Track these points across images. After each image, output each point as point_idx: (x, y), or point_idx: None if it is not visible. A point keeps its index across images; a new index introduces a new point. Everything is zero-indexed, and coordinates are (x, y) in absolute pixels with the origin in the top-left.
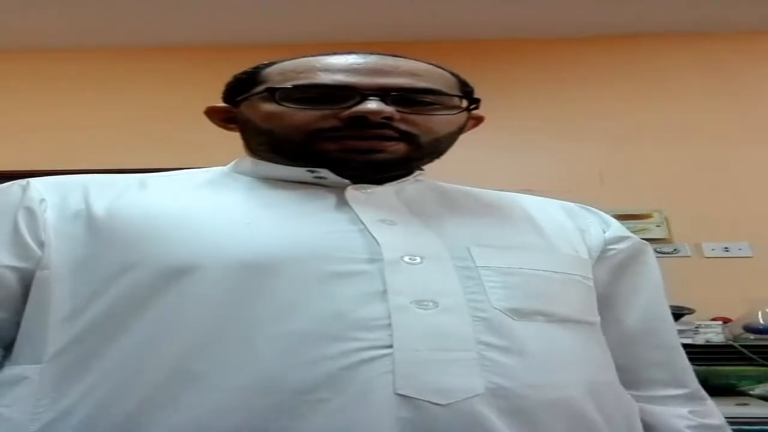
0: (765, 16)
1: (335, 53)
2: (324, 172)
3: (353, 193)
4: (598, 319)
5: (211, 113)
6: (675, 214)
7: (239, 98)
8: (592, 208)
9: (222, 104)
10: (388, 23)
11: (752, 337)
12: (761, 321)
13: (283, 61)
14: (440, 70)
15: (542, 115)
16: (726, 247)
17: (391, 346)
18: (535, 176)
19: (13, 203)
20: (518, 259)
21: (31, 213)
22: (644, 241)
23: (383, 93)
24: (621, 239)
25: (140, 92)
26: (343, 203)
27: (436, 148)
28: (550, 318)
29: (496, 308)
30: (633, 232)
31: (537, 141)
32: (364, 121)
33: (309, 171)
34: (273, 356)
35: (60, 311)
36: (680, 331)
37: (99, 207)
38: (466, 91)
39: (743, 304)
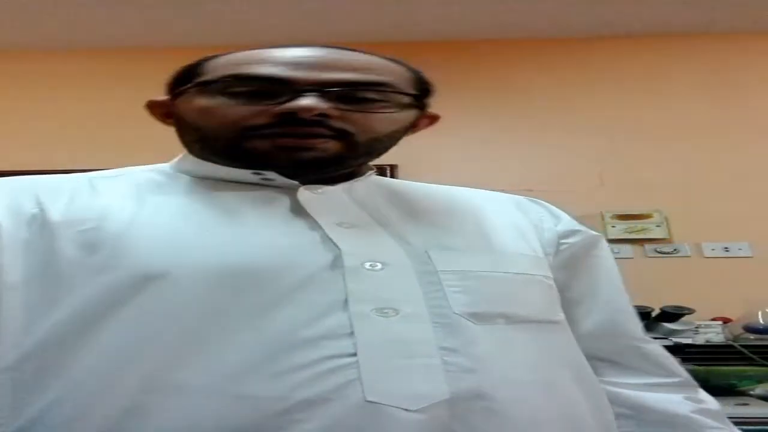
0: (765, 16)
1: (283, 46)
2: (271, 175)
3: (305, 194)
4: (561, 316)
5: (152, 107)
6: (675, 214)
7: (176, 92)
8: (540, 201)
9: (162, 98)
10: (388, 23)
11: (752, 337)
12: (761, 321)
13: (230, 54)
14: (397, 66)
15: (542, 115)
16: (726, 247)
17: (355, 354)
18: (535, 176)
19: None
20: (478, 262)
21: None
22: (596, 233)
23: (321, 88)
24: (573, 233)
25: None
26: (297, 206)
27: (374, 147)
28: (511, 320)
29: (456, 313)
30: (633, 232)
31: (537, 141)
32: (296, 117)
33: (255, 173)
34: (243, 365)
35: (11, 322)
36: (680, 331)
37: (54, 212)
38: (423, 89)
39: (743, 304)
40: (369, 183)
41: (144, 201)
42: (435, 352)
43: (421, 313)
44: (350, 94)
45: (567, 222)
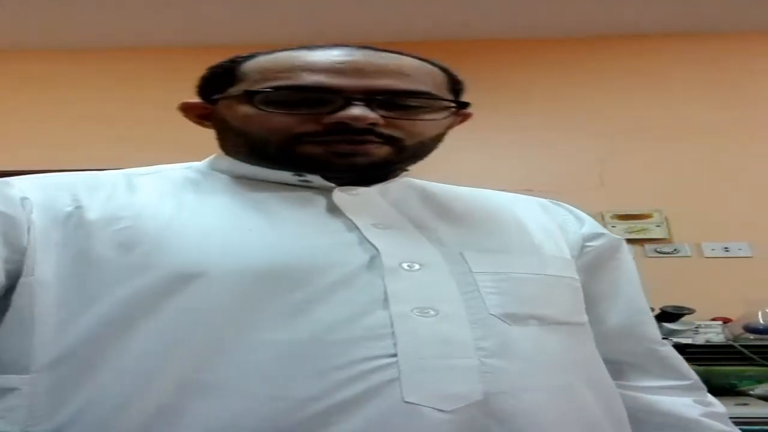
0: (765, 16)
1: (318, 47)
2: (311, 177)
3: (341, 195)
4: (586, 318)
5: (187, 109)
6: (675, 214)
7: (216, 96)
8: (564, 204)
9: (197, 100)
10: (388, 23)
11: (752, 337)
12: (761, 321)
13: (262, 54)
14: (430, 67)
15: (542, 115)
16: (726, 247)
17: (395, 355)
18: (535, 176)
19: None
20: (511, 264)
21: (8, 218)
22: (618, 237)
23: (368, 96)
24: (596, 236)
25: (127, 91)
26: (333, 207)
27: (421, 150)
28: (543, 321)
29: (492, 314)
30: (633, 232)
31: (537, 141)
32: (348, 126)
33: (296, 175)
34: (280, 366)
35: (47, 320)
36: (680, 331)
37: (91, 210)
38: (456, 88)
39: (743, 304)
40: (402, 185)
41: (181, 199)
42: (473, 353)
43: (459, 314)
44: (395, 101)
45: (591, 225)
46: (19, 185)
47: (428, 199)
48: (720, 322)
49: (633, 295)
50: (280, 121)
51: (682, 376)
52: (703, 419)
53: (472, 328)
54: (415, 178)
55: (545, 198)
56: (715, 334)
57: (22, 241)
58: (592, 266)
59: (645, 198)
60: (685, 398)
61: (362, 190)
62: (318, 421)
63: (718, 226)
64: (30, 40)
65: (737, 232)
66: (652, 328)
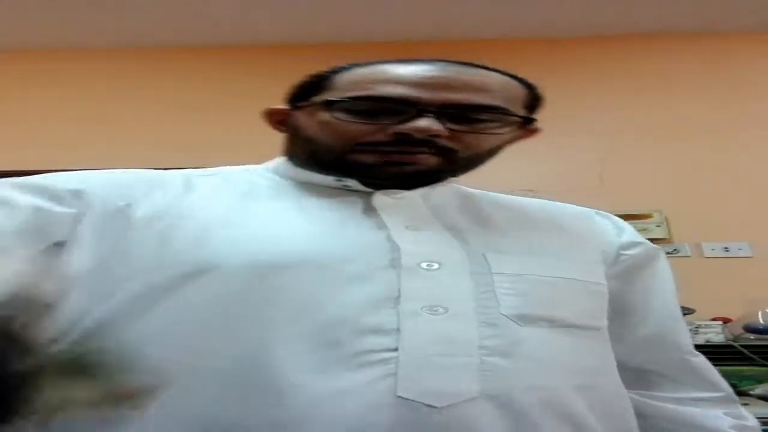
0: (765, 16)
1: (413, 61)
2: (350, 181)
3: (381, 198)
4: (604, 323)
5: (270, 114)
6: (675, 214)
7: (300, 103)
8: (606, 213)
9: (282, 107)
10: (388, 23)
11: (752, 337)
12: (761, 321)
13: (360, 66)
14: (513, 83)
15: (542, 115)
16: (726, 247)
17: (396, 350)
18: (536, 176)
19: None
20: (531, 266)
21: (44, 212)
22: (657, 247)
23: (441, 109)
24: (634, 245)
25: (127, 91)
26: (370, 209)
27: (472, 162)
28: (554, 324)
29: (503, 314)
30: None
31: (537, 141)
32: (410, 137)
33: (337, 180)
34: (284, 358)
35: (69, 308)
36: None
37: (141, 207)
38: (534, 104)
39: (743, 304)
40: (447, 190)
41: (231, 200)
42: (474, 351)
43: (468, 313)
44: (466, 115)
45: (630, 234)
46: (79, 178)
47: (467, 205)
48: (720, 322)
49: (667, 305)
50: (350, 129)
51: (714, 388)
52: None
53: (479, 327)
54: (459, 185)
55: (546, 198)
56: (715, 334)
57: (54, 236)
58: (628, 274)
59: (645, 198)
60: (715, 410)
61: (406, 194)
62: (316, 410)
63: (718, 226)
64: (30, 40)
65: (737, 232)
66: (685, 339)
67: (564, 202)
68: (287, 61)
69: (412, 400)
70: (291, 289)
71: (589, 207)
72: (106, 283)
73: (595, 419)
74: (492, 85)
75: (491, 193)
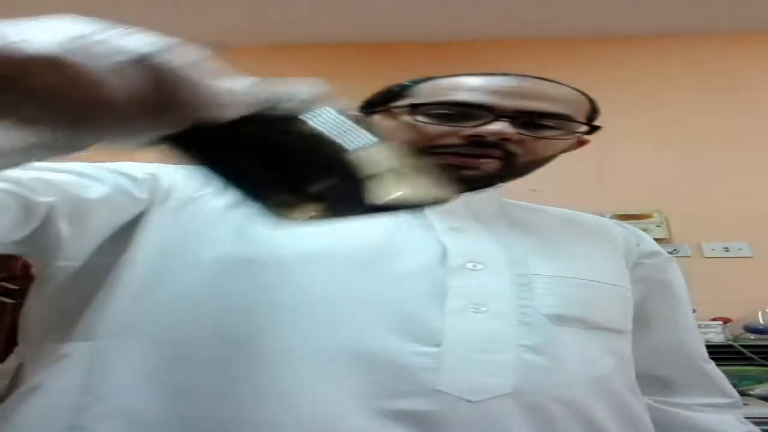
0: (765, 16)
1: (497, 74)
2: None
3: None
4: (629, 327)
5: None
6: (675, 214)
7: (376, 109)
8: (621, 222)
9: (356, 113)
10: (388, 24)
11: (752, 337)
12: (761, 321)
13: (438, 78)
14: (578, 96)
15: None
16: (726, 247)
17: (438, 345)
18: (536, 176)
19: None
20: (568, 269)
21: (127, 194)
22: (668, 255)
23: (515, 115)
24: (653, 254)
25: None
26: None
27: (529, 168)
28: (586, 325)
29: (542, 314)
30: None
31: None
32: (482, 140)
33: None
34: (335, 347)
35: (125, 293)
36: None
37: (218, 197)
38: (592, 117)
39: (743, 304)
40: (485, 197)
41: None
42: (512, 349)
43: (508, 312)
44: (536, 121)
45: (648, 243)
46: (152, 167)
47: (503, 210)
48: (720, 322)
49: (685, 314)
50: (429, 131)
51: (724, 394)
52: None
53: (518, 325)
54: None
55: (546, 198)
56: (715, 334)
57: (129, 213)
58: (647, 282)
59: (645, 198)
60: (727, 416)
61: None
62: (360, 399)
63: (718, 226)
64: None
65: (737, 232)
66: (700, 346)
67: (565, 202)
68: (289, 62)
69: (450, 394)
70: (349, 278)
71: (589, 207)
72: (177, 262)
73: (615, 424)
74: (560, 96)
75: (521, 202)
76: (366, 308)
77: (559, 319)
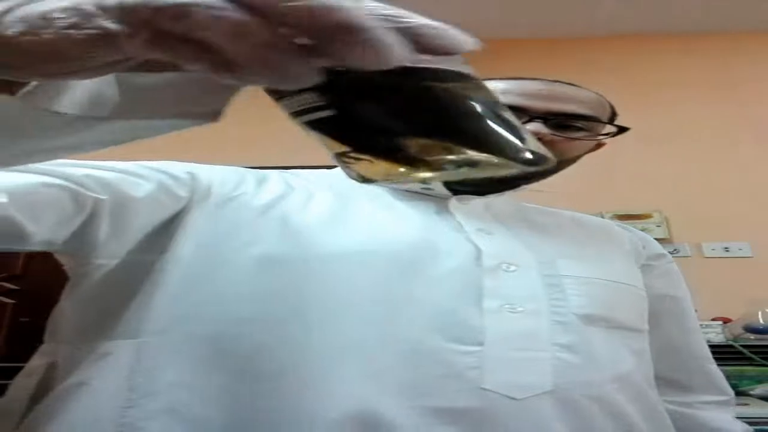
0: (765, 16)
1: (513, 78)
2: (434, 185)
3: (454, 203)
4: (646, 327)
5: None
6: (675, 214)
7: None
8: (625, 225)
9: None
10: None
11: (752, 337)
12: (761, 321)
13: None
14: (602, 100)
15: None
16: (726, 247)
17: (481, 344)
18: None
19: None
20: (593, 270)
21: (169, 192)
22: (670, 257)
23: (548, 116)
24: (658, 256)
25: None
26: (444, 211)
27: (557, 169)
28: (610, 324)
29: (574, 314)
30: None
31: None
32: None
33: (421, 183)
34: (378, 341)
35: (167, 291)
36: None
37: (256, 197)
38: (611, 120)
39: (743, 304)
40: (503, 200)
41: (328, 199)
42: (548, 347)
43: (542, 311)
44: (567, 122)
45: (654, 246)
46: (192, 166)
47: (522, 213)
48: (720, 322)
49: (687, 314)
50: None
51: (720, 392)
52: None
53: (552, 325)
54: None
55: (547, 198)
56: (715, 334)
57: (170, 211)
58: (653, 283)
59: (645, 198)
60: (725, 414)
61: (472, 200)
62: (404, 395)
63: (718, 226)
64: None
65: (737, 232)
66: (704, 347)
67: (566, 202)
68: None
69: (495, 392)
70: (390, 279)
71: (589, 207)
72: (219, 261)
73: (644, 420)
74: (586, 99)
75: (535, 205)
76: (408, 307)
77: (588, 319)
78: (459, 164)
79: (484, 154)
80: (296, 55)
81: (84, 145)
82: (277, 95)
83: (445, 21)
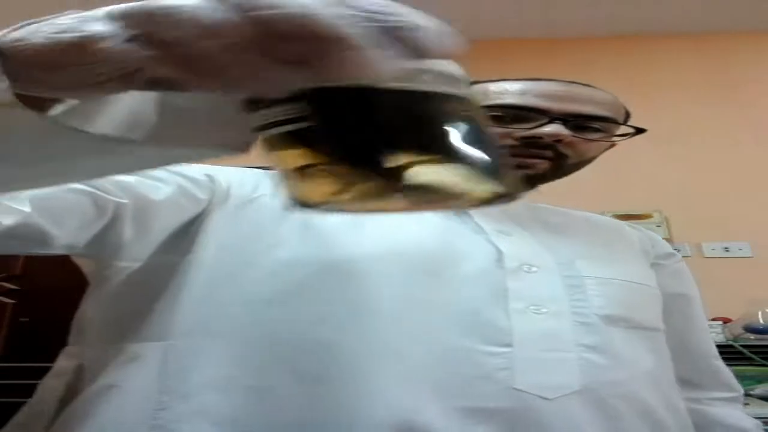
0: (765, 16)
1: (529, 79)
2: None
3: None
4: (663, 326)
5: None
6: (675, 214)
7: None
8: (634, 225)
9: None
10: None
11: (752, 337)
12: (761, 321)
13: (482, 82)
14: (617, 101)
15: None
16: (726, 247)
17: (510, 345)
18: None
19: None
20: (614, 271)
21: (189, 194)
22: (679, 256)
23: (567, 117)
24: (667, 255)
25: None
26: (461, 212)
27: (574, 168)
28: (629, 324)
29: (595, 314)
30: None
31: None
32: (537, 141)
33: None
34: (409, 341)
35: (193, 294)
36: None
37: (277, 197)
38: (625, 121)
39: (743, 304)
40: (517, 200)
41: None
42: (573, 348)
43: (564, 312)
44: (585, 124)
45: (663, 245)
46: (210, 168)
47: (535, 213)
48: (720, 322)
49: (697, 313)
50: None
51: (729, 389)
52: (755, 430)
53: (576, 326)
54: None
55: (548, 198)
56: (715, 334)
57: (190, 213)
58: (663, 283)
59: (645, 198)
60: (736, 411)
61: None
62: (434, 396)
63: (718, 226)
64: None
65: (737, 232)
66: (711, 344)
67: (566, 202)
68: None
69: (527, 392)
70: (417, 282)
71: (589, 207)
72: (242, 263)
73: (669, 416)
74: (604, 100)
75: (546, 205)
76: (436, 309)
77: (609, 320)
78: (428, 184)
79: (455, 179)
80: (276, 64)
81: (110, 169)
82: (255, 107)
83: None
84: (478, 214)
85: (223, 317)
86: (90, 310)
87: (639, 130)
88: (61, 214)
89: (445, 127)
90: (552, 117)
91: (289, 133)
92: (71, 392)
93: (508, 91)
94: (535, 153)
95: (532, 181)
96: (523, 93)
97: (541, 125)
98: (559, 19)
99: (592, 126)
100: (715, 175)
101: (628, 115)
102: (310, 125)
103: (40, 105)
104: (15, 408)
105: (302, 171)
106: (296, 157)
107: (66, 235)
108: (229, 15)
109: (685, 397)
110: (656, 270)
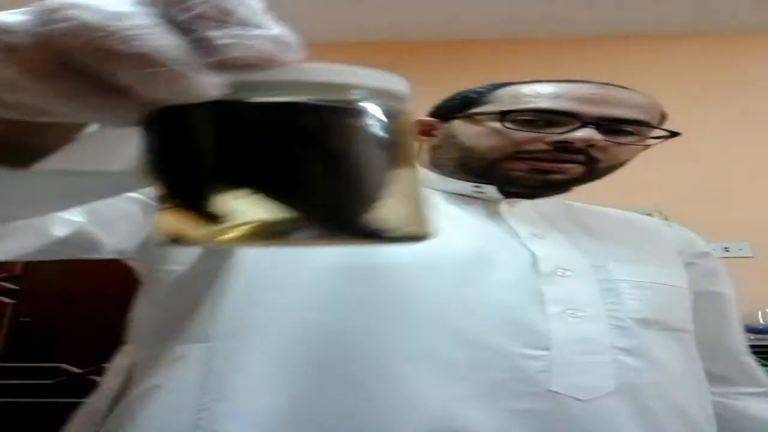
0: (765, 16)
1: (575, 81)
2: (486, 188)
3: (504, 206)
4: (692, 327)
5: (417, 125)
6: (675, 213)
7: (456, 114)
8: (670, 222)
9: (430, 118)
10: (388, 24)
11: (752, 337)
12: (761, 321)
13: (514, 84)
14: (651, 102)
15: None
16: (726, 247)
17: (548, 348)
18: None
19: None
20: (648, 273)
21: None
22: (717, 257)
23: (600, 121)
24: (702, 255)
25: None
26: (496, 215)
27: (607, 172)
28: (662, 326)
29: (630, 318)
30: None
31: None
32: (569, 146)
33: (475, 186)
34: (448, 344)
35: (234, 297)
36: None
37: None
38: (661, 122)
39: (743, 304)
40: (550, 201)
41: None
42: (609, 351)
43: (600, 316)
44: (619, 128)
45: (700, 244)
46: None
47: (570, 214)
48: None
49: (730, 311)
50: (517, 137)
51: (760, 384)
52: None
53: (610, 328)
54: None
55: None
56: None
57: None
58: (699, 282)
59: (645, 198)
60: (765, 405)
61: (519, 203)
62: (473, 398)
63: (718, 226)
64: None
65: (737, 232)
66: (743, 341)
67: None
68: None
69: (563, 394)
70: (458, 286)
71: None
72: (282, 267)
73: (702, 416)
74: (637, 102)
75: (584, 204)
76: (476, 313)
77: (644, 323)
78: (274, 230)
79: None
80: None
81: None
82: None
83: (446, 20)
84: (511, 217)
85: (264, 320)
86: (141, 310)
87: (673, 134)
88: (112, 222)
89: (283, 155)
90: (584, 121)
91: (148, 162)
92: (123, 391)
93: (540, 93)
94: (568, 158)
95: (565, 185)
96: (556, 96)
97: (574, 129)
98: (558, 19)
99: (626, 129)
100: (715, 174)
101: (663, 117)
102: (149, 157)
103: None
104: (15, 408)
105: (160, 204)
106: (156, 189)
107: (116, 242)
108: (23, 38)
109: (714, 392)
110: (689, 269)
